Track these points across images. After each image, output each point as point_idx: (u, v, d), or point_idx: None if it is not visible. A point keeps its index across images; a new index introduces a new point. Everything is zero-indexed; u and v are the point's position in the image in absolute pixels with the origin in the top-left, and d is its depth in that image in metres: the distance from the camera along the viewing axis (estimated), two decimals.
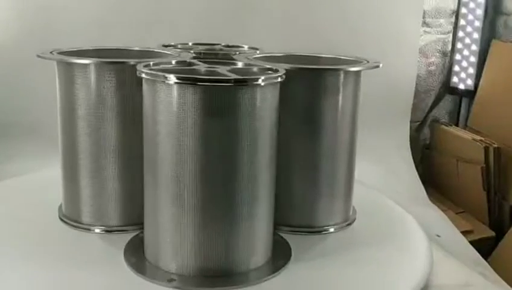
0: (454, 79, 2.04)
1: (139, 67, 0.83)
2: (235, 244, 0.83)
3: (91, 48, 1.08)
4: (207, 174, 0.79)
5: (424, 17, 1.97)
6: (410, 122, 1.97)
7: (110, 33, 1.54)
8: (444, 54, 2.04)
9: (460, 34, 2.01)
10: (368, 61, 1.08)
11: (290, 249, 0.94)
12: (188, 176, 0.79)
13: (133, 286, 0.82)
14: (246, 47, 1.27)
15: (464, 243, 1.46)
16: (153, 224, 0.85)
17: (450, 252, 1.25)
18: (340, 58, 1.13)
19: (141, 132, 0.89)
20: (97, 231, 0.98)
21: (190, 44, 1.29)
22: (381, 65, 1.08)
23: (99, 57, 0.96)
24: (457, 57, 2.02)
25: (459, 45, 2.02)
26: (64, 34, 1.50)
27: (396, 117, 1.91)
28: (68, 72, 0.95)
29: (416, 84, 1.96)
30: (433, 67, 2.03)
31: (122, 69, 0.93)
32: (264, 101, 0.81)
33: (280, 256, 0.91)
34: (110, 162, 0.95)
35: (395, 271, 0.94)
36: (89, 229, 0.98)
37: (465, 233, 1.57)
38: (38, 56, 0.94)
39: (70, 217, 1.01)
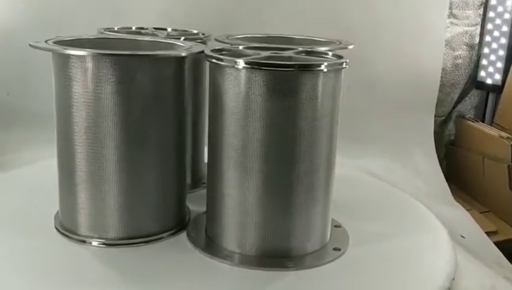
0: (482, 73, 1.96)
1: (207, 51, 0.87)
2: (294, 226, 0.88)
3: (94, 37, 1.01)
4: (270, 157, 0.84)
5: (450, 9, 1.90)
6: (435, 117, 1.90)
7: (125, 17, 1.51)
8: (471, 47, 1.96)
9: (489, 26, 1.93)
10: (341, 42, 1.13)
11: (348, 236, 0.98)
12: (253, 158, 0.84)
13: (199, 262, 0.88)
14: (195, 31, 1.25)
15: (488, 244, 1.41)
16: (218, 205, 0.91)
17: (473, 253, 1.21)
18: (314, 40, 1.20)
19: (146, 134, 0.86)
20: (94, 243, 0.91)
21: (133, 28, 1.26)
22: (350, 47, 1.11)
23: (100, 48, 0.87)
24: (485, 50, 1.94)
25: (487, 38, 1.94)
26: (77, 18, 1.47)
27: (420, 111, 1.85)
28: (63, 64, 0.85)
29: (442, 77, 1.89)
30: (459, 61, 1.96)
31: (124, 63, 0.84)
32: (326, 87, 0.85)
33: (336, 242, 0.95)
34: (110, 169, 0.87)
35: (417, 274, 0.90)
36: (85, 242, 0.92)
37: (489, 234, 1.52)
38: (31, 46, 0.86)
39: (67, 228, 0.94)
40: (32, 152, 1.40)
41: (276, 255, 0.88)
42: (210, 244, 0.93)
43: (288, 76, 0.82)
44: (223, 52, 0.92)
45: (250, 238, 0.88)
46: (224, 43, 1.10)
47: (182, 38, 1.10)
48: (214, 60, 0.86)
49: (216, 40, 1.14)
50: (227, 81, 0.84)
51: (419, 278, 0.90)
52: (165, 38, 1.08)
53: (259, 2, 1.65)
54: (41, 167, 1.25)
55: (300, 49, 0.98)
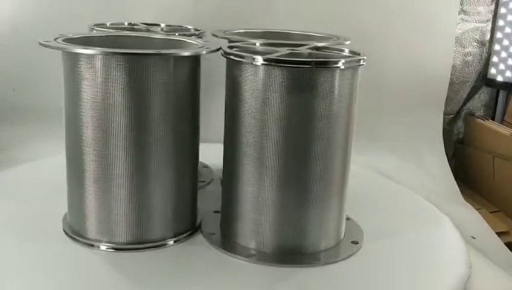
0: (492, 70, 1.93)
1: (225, 48, 0.88)
2: (311, 222, 0.89)
3: (104, 35, 0.98)
4: (286, 153, 0.85)
5: (461, 5, 1.87)
6: (443, 114, 1.87)
7: (133, 13, 1.48)
8: (481, 43, 1.94)
9: (500, 23, 1.90)
10: (339, 38, 1.14)
11: (362, 231, 0.99)
12: (269, 154, 0.85)
13: (215, 260, 0.88)
14: (189, 27, 1.24)
15: (500, 245, 1.39)
16: (234, 202, 0.91)
17: (485, 254, 1.18)
18: (311, 35, 1.22)
19: (158, 136, 0.84)
20: (103, 247, 0.89)
21: (126, 24, 1.24)
22: (347, 42, 1.11)
23: (111, 46, 0.84)
24: (496, 47, 1.91)
25: (498, 35, 1.91)
26: (83, 16, 1.44)
27: (429, 109, 1.82)
28: (73, 63, 0.82)
29: (451, 74, 1.86)
30: (469, 58, 1.93)
31: (136, 62, 0.80)
32: (343, 84, 0.85)
33: (351, 238, 0.97)
34: (120, 171, 0.84)
35: (429, 278, 0.88)
36: (93, 245, 0.89)
37: (500, 234, 1.49)
38: (41, 44, 0.83)
39: (75, 231, 0.91)
40: (38, 148, 1.39)
41: (294, 252, 0.89)
42: (226, 242, 0.93)
43: (306, 72, 0.82)
44: (237, 49, 0.91)
45: (267, 234, 0.89)
46: (223, 38, 1.10)
47: (177, 34, 1.08)
48: (232, 57, 0.86)
49: (213, 35, 1.14)
50: (245, 78, 0.85)
51: (429, 284, 0.88)
52: (176, 35, 1.06)
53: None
54: (47, 164, 1.23)
55: (317, 45, 0.98)
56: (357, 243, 0.95)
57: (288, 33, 1.24)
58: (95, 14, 1.47)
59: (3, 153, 1.43)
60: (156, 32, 1.13)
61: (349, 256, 0.91)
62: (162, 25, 1.25)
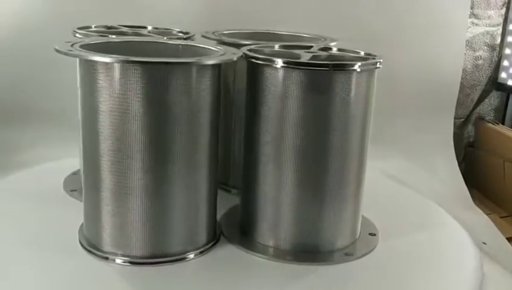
0: (503, 74, 1.92)
1: (245, 51, 0.90)
2: (328, 220, 0.91)
3: (123, 40, 0.96)
4: (304, 153, 0.87)
5: (472, 8, 1.86)
6: (454, 118, 1.87)
7: (142, 14, 1.48)
8: (492, 47, 1.93)
9: (511, 27, 1.89)
10: (326, 39, 1.16)
11: (377, 229, 1.01)
12: (287, 154, 0.87)
13: (235, 258, 0.90)
14: (175, 31, 1.22)
15: (510, 250, 1.38)
16: (252, 201, 0.93)
17: (496, 260, 1.18)
18: (299, 36, 1.24)
19: (176, 147, 0.82)
20: (118, 261, 0.85)
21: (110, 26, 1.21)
22: (333, 44, 1.10)
23: (130, 53, 0.80)
24: (507, 51, 1.91)
25: (509, 39, 1.90)
26: (92, 17, 1.45)
27: (439, 112, 1.82)
28: (89, 70, 0.80)
29: (462, 78, 1.85)
30: (480, 62, 1.92)
31: (154, 71, 0.77)
32: (359, 87, 0.87)
33: (368, 235, 0.99)
34: (137, 183, 0.82)
35: (440, 285, 0.88)
36: (108, 259, 0.86)
37: (510, 239, 1.48)
38: (56, 50, 0.80)
39: (90, 243, 0.89)
40: (47, 150, 1.38)
41: (312, 250, 0.91)
42: (244, 239, 0.95)
43: (323, 75, 0.85)
44: (255, 51, 0.93)
45: (285, 232, 0.91)
46: (215, 40, 1.11)
47: (165, 38, 1.05)
48: (252, 60, 0.88)
49: (203, 36, 1.14)
50: (265, 80, 0.88)
51: (455, 272, 0.92)
52: (164, 39, 1.04)
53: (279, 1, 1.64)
54: (57, 167, 1.23)
55: (338, 50, 1.00)
56: (375, 234, 0.98)
57: (277, 34, 1.25)
58: (103, 15, 1.47)
59: (12, 156, 1.42)
60: (173, 38, 1.11)
61: (365, 254, 0.93)
62: (149, 28, 1.22)
